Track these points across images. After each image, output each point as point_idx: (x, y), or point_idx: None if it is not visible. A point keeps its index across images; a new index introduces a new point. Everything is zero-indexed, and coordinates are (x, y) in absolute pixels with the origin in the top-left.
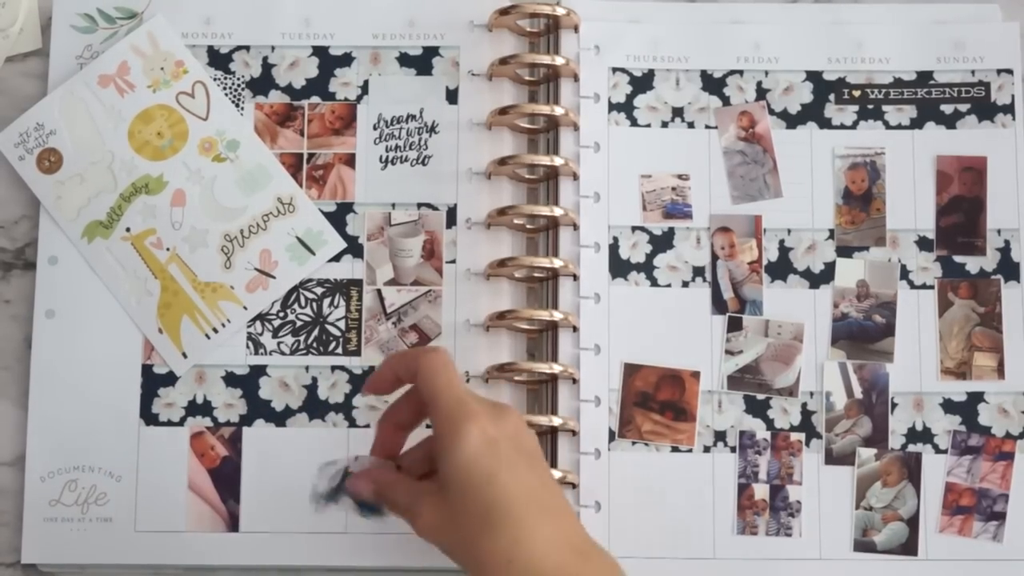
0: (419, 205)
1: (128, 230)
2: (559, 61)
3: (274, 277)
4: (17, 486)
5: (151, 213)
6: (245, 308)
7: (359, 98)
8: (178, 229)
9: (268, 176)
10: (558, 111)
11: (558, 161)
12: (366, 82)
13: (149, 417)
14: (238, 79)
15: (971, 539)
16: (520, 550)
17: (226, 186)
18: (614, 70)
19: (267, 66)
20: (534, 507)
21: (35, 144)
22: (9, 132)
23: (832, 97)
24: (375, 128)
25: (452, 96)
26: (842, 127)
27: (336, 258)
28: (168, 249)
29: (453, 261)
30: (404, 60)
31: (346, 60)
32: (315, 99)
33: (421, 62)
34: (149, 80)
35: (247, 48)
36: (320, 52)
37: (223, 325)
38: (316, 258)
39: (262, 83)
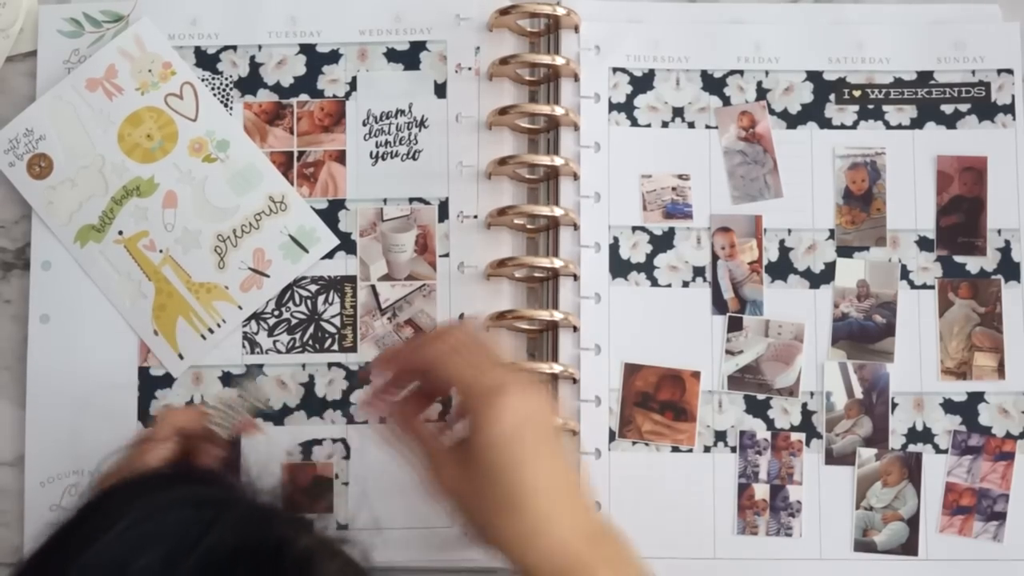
0: (410, 200)
1: (121, 233)
2: (559, 61)
3: (268, 276)
4: (18, 486)
5: (143, 215)
6: (240, 307)
7: (347, 95)
8: (170, 231)
9: (259, 175)
10: (558, 111)
11: (558, 161)
12: (354, 78)
13: (147, 419)
14: (226, 79)
15: (971, 539)
16: (539, 539)
17: (217, 186)
18: (614, 70)
19: (254, 65)
20: (554, 495)
21: (25, 150)
22: None
23: (832, 97)
24: (364, 124)
25: (440, 90)
26: (842, 127)
27: (329, 255)
28: (161, 251)
29: (446, 255)
30: (391, 55)
31: (333, 57)
32: (304, 97)
33: (408, 57)
34: (137, 83)
35: (234, 48)
36: (307, 50)
37: (218, 325)
38: (309, 255)
39: (250, 82)
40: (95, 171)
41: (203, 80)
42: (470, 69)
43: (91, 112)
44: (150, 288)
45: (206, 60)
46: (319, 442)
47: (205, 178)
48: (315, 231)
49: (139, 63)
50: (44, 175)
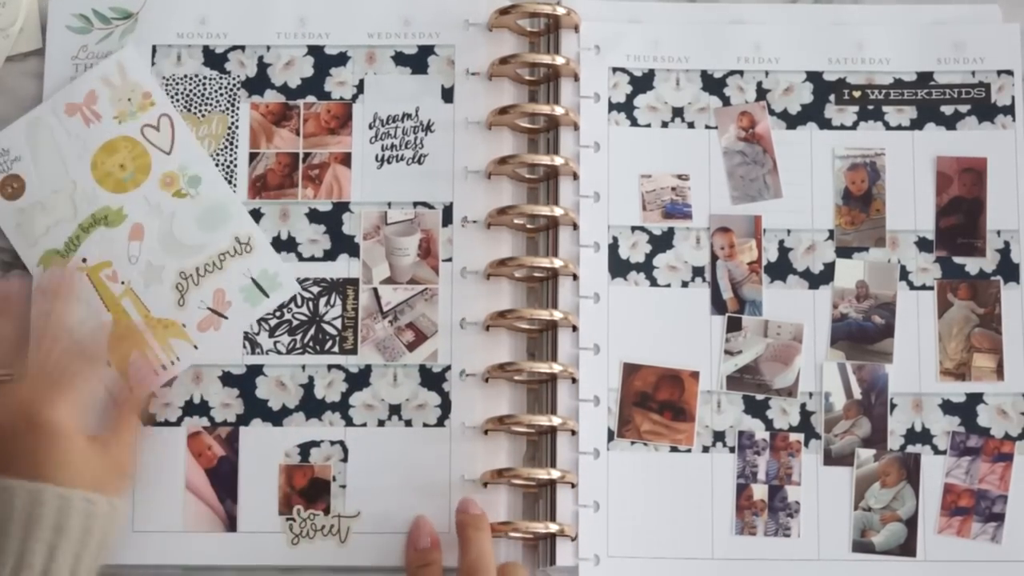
0: (415, 204)
1: (84, 261)
2: (559, 61)
3: (226, 317)
4: None
5: (108, 245)
6: (196, 347)
7: (355, 97)
8: (134, 263)
9: (227, 214)
10: (558, 111)
11: (558, 161)
12: (361, 81)
13: (145, 417)
14: (233, 79)
15: (970, 540)
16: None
17: (185, 223)
18: (614, 70)
19: (262, 66)
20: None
21: None
22: None
23: (832, 98)
24: (371, 127)
25: (448, 95)
26: (842, 128)
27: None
28: (123, 283)
29: (449, 259)
30: (399, 59)
31: (341, 59)
32: (311, 98)
33: (416, 61)
34: (115, 111)
35: (242, 48)
36: (315, 51)
37: (172, 363)
38: (269, 300)
39: (257, 83)
40: (66, 196)
41: (210, 79)
42: (477, 74)
43: (68, 137)
44: (108, 319)
45: (214, 60)
46: (317, 444)
47: (173, 213)
48: (277, 276)
49: (119, 91)
50: (16, 196)
